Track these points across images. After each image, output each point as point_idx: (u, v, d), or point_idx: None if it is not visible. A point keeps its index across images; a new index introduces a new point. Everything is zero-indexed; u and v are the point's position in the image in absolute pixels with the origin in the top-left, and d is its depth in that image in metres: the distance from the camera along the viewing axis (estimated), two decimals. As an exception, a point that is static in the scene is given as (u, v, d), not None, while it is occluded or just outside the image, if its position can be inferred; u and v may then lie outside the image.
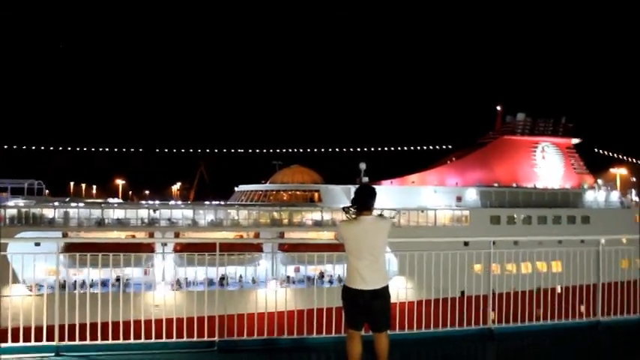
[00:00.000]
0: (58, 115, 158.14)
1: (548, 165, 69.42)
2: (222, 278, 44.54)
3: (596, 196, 68.08)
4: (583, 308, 11.13)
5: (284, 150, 75.92)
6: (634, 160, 79.40)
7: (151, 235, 45.81)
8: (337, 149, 78.88)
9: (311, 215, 50.24)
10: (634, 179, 77.57)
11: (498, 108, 72.36)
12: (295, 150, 77.24)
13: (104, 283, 42.17)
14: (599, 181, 72.36)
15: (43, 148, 77.66)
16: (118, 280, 43.33)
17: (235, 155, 79.48)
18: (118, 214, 47.70)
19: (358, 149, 74.43)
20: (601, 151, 78.52)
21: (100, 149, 79.87)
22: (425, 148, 74.53)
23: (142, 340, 8.67)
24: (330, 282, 48.13)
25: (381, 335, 6.96)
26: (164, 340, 8.77)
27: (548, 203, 62.55)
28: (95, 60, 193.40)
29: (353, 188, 56.29)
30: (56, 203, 49.50)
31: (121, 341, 8.54)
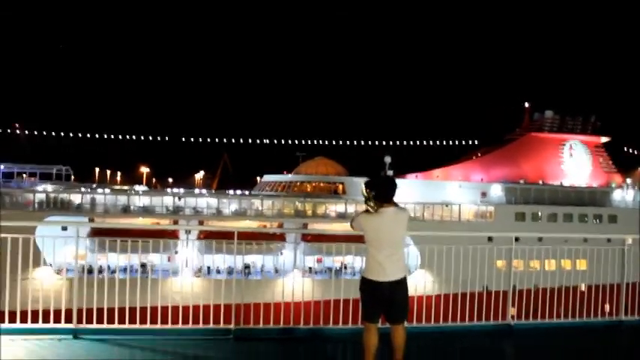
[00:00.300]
0: (85, 103, 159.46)
1: (575, 163, 68.33)
2: (247, 267, 45.08)
3: (624, 195, 66.81)
4: (607, 307, 10.84)
5: (307, 142, 76.11)
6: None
7: (175, 223, 46.19)
8: (362, 142, 78.76)
9: (335, 207, 50.19)
10: None
11: (526, 104, 71.42)
12: (319, 142, 77.34)
13: (127, 269, 42.75)
14: (628, 180, 71.05)
15: (71, 134, 79.01)
16: (142, 266, 44.05)
17: (258, 146, 79.87)
18: (144, 201, 48.19)
19: (383, 142, 74.19)
20: (630, 150, 77.19)
21: (127, 137, 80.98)
22: (450, 143, 74.04)
23: (159, 326, 8.61)
24: (353, 274, 48.14)
25: (398, 327, 6.93)
26: (180, 326, 8.71)
27: (574, 201, 61.55)
28: (122, 48, 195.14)
29: (377, 181, 56.36)
30: (83, 189, 50.16)
31: (137, 326, 8.51)
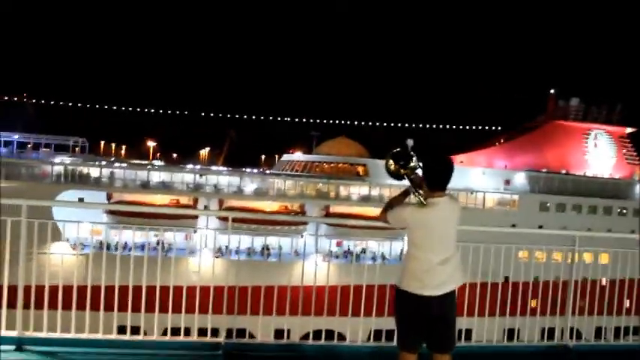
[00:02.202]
0: (90, 74, 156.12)
1: (599, 153, 65.63)
2: (267, 248, 42.90)
3: (648, 188, 64.31)
4: None
5: (322, 121, 73.36)
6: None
7: (195, 201, 43.99)
8: (380, 123, 76.11)
9: (358, 189, 47.85)
10: None
11: (552, 91, 68.57)
12: (334, 122, 74.75)
13: (144, 247, 40.81)
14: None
15: (79, 104, 76.30)
16: (158, 244, 41.92)
17: (266, 123, 76.94)
18: (163, 176, 45.95)
19: (405, 125, 71.57)
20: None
21: (132, 109, 78.09)
22: (474, 128, 71.47)
23: (140, 337, 7.02)
24: (374, 259, 46.12)
25: (445, 357, 5.27)
26: (163, 338, 7.16)
27: (597, 192, 59.03)
28: (129, 22, 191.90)
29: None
30: (103, 162, 48.09)
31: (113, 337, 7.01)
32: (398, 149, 5.40)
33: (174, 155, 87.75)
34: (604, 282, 9.54)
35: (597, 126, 66.31)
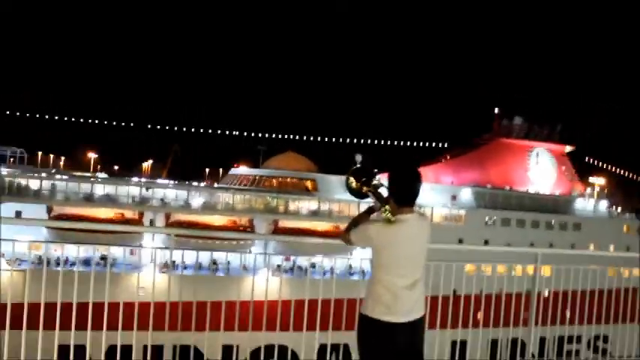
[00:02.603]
0: (27, 82, 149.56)
1: (541, 170, 67.44)
2: (214, 263, 41.90)
3: (585, 204, 66.47)
4: None
5: (268, 135, 72.48)
6: (623, 172, 78.16)
7: (141, 215, 42.63)
8: (327, 139, 75.87)
9: (307, 204, 47.41)
10: (612, 189, 76.10)
11: (496, 110, 70.11)
12: (281, 135, 74.09)
13: (87, 262, 39.34)
14: (589, 189, 71.06)
15: (17, 113, 72.76)
16: (103, 259, 40.39)
17: (212, 136, 75.46)
18: (108, 189, 44.32)
19: (354, 140, 71.68)
20: (591, 160, 77.02)
21: (72, 118, 74.64)
22: (421, 144, 72.20)
23: None
24: (324, 273, 45.57)
25: None
26: None
27: (539, 208, 60.61)
28: (66, 29, 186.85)
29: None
30: (43, 174, 46.13)
31: None
32: (358, 165, 5.35)
33: (116, 167, 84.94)
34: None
35: (539, 144, 68.19)
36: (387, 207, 4.73)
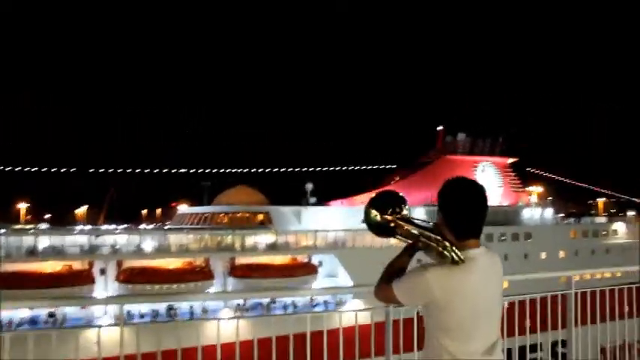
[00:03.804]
0: None
1: (488, 183, 68.16)
2: (171, 308, 40.00)
3: (532, 213, 67.49)
4: None
5: (211, 170, 70.57)
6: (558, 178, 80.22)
7: (91, 265, 40.29)
8: (273, 169, 74.62)
9: (264, 238, 46.01)
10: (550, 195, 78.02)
11: (439, 128, 70.84)
12: (224, 170, 72.40)
13: (34, 321, 36.85)
14: (531, 198, 72.43)
15: None
16: (51, 316, 37.85)
17: (150, 176, 72.52)
18: (53, 240, 41.57)
19: (304, 169, 70.74)
20: (532, 169, 78.77)
21: None
22: (369, 167, 71.99)
23: None
24: (285, 307, 44.24)
25: None
26: None
27: (491, 221, 60.85)
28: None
29: (304, 210, 52.91)
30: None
31: None
32: (376, 195, 3.80)
33: (47, 216, 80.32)
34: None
35: (483, 158, 69.13)
36: (447, 243, 3.35)
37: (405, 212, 3.76)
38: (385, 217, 3.70)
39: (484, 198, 3.46)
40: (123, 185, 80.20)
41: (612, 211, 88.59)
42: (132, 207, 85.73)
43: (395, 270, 3.69)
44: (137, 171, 70.23)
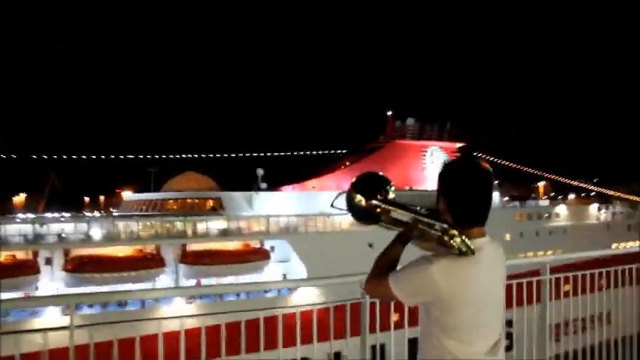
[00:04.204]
0: None
1: (436, 168, 68.86)
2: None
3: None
4: None
5: (159, 156, 68.86)
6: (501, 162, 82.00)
7: (35, 254, 38.73)
8: (221, 155, 73.33)
9: (216, 224, 45.27)
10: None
11: (389, 113, 71.15)
12: (170, 156, 70.83)
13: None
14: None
15: None
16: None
17: (93, 162, 69.96)
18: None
19: (254, 154, 69.86)
20: (482, 154, 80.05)
21: None
22: (320, 153, 71.76)
23: None
24: (237, 294, 43.72)
25: None
26: None
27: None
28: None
29: (255, 195, 52.29)
30: None
31: None
32: (359, 177, 3.41)
33: None
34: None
35: (432, 143, 69.93)
36: (454, 231, 2.97)
37: (391, 195, 3.40)
38: (371, 202, 3.31)
39: (491, 181, 3.13)
40: (64, 172, 77.45)
41: (551, 194, 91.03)
42: (74, 194, 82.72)
43: (388, 262, 3.27)
44: (79, 157, 67.77)
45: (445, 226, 3.01)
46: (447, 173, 3.20)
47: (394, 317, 6.16)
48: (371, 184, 3.38)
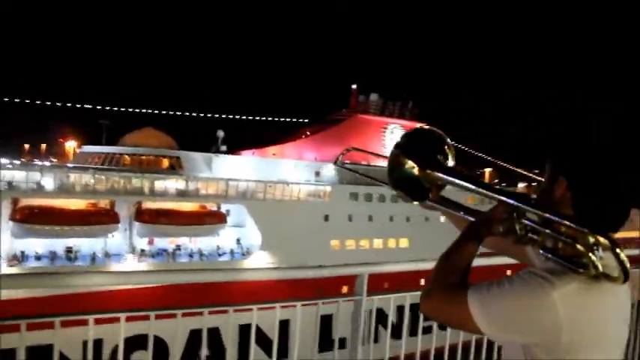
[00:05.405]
0: None
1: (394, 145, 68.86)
2: (69, 251, 37.44)
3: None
4: None
5: (111, 108, 66.34)
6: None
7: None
8: (181, 113, 71.47)
9: (174, 184, 43.86)
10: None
11: (354, 86, 70.28)
12: (126, 109, 68.55)
13: None
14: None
15: None
16: None
17: (34, 107, 66.04)
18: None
19: (215, 115, 68.14)
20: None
21: None
22: (282, 120, 70.56)
23: None
24: (190, 255, 42.83)
25: None
26: None
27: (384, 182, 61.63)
28: None
29: (215, 157, 50.87)
30: None
31: None
32: (410, 135, 2.40)
33: None
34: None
35: (393, 120, 69.47)
36: (594, 239, 1.73)
37: (450, 162, 2.38)
38: (428, 172, 2.29)
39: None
40: (3, 115, 73.27)
41: (496, 180, 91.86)
42: (10, 140, 78.76)
43: (462, 267, 2.15)
44: (22, 101, 64.31)
45: (583, 229, 1.76)
46: (584, 139, 2.14)
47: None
48: (429, 148, 2.34)
